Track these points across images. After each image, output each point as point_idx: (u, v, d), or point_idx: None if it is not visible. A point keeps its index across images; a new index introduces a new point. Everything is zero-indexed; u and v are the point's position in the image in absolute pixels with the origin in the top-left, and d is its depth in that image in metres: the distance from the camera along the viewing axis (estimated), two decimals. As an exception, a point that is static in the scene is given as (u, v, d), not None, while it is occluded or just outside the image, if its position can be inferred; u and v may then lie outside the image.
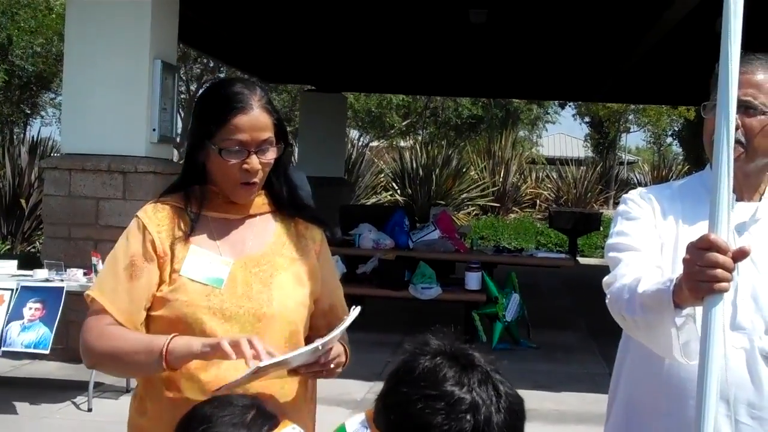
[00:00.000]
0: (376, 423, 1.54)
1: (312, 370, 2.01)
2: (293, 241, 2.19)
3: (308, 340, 2.13)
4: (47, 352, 5.67)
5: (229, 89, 2.11)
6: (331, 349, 2.01)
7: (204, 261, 2.07)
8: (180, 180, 2.19)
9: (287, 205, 2.21)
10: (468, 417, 1.38)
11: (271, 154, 2.10)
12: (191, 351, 1.93)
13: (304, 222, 2.24)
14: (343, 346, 2.13)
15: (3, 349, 5.55)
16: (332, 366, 2.03)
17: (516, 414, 1.45)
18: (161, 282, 2.07)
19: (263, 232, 2.18)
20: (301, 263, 2.17)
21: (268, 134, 2.08)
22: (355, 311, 2.03)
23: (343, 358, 2.09)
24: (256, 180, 2.09)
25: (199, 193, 2.14)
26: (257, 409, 1.59)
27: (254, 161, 2.06)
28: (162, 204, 2.15)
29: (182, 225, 2.11)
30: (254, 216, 2.18)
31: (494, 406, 1.41)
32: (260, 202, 2.18)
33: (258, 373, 1.86)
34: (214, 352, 1.89)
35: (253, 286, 2.08)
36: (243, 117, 2.05)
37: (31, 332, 5.65)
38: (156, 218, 2.12)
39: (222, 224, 2.15)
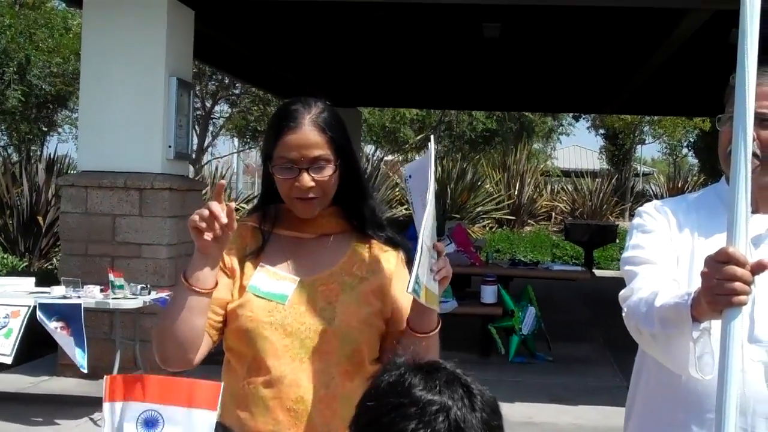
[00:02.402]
0: None
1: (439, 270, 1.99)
2: (365, 261, 2.17)
3: (379, 361, 2.13)
4: (86, 371, 5.69)
5: (285, 107, 2.15)
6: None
7: (271, 278, 2.11)
8: (260, 199, 2.25)
9: (366, 225, 2.20)
10: (441, 418, 1.35)
11: (327, 171, 2.09)
12: (194, 258, 2.01)
13: (380, 243, 2.22)
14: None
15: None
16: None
17: (492, 411, 1.41)
18: (232, 297, 2.12)
19: (335, 251, 2.18)
20: (370, 282, 2.15)
21: (320, 152, 2.08)
22: (431, 143, 2.05)
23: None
24: (312, 196, 2.09)
25: (273, 212, 2.18)
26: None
27: (304, 179, 2.07)
28: (240, 223, 2.19)
29: (254, 243, 2.15)
30: (328, 235, 2.18)
31: (467, 406, 1.38)
32: (334, 221, 2.19)
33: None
34: (196, 238, 1.97)
35: (317, 303, 2.09)
36: (291, 135, 2.07)
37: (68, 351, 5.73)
38: (228, 248, 2.15)
39: (294, 243, 2.17)
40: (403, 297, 2.18)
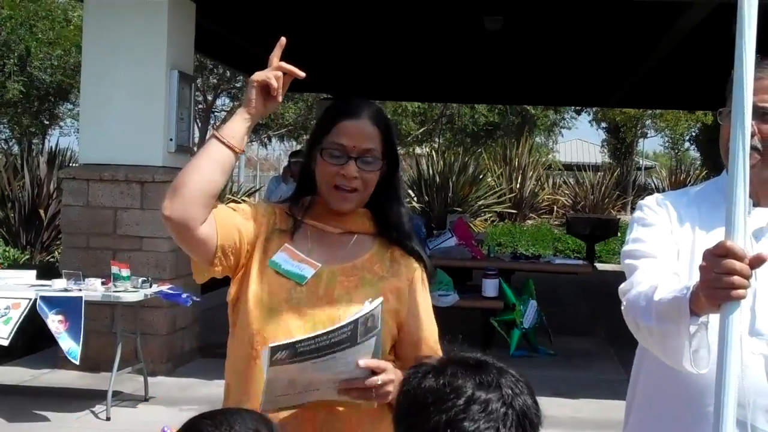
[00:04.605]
0: None
1: (359, 391, 1.95)
2: (386, 263, 2.18)
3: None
4: (77, 363, 5.75)
5: (345, 100, 2.21)
6: (381, 372, 1.95)
7: (293, 258, 2.11)
8: (294, 193, 2.25)
9: (394, 231, 2.20)
10: (509, 412, 1.38)
11: (374, 167, 2.11)
12: (236, 117, 2.07)
13: (402, 252, 2.22)
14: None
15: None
16: (383, 390, 1.96)
17: (532, 389, 1.46)
18: (249, 271, 2.10)
19: (359, 248, 2.19)
20: (390, 282, 2.16)
21: (372, 145, 2.11)
22: (376, 301, 1.96)
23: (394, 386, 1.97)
24: (354, 187, 2.10)
25: (304, 203, 2.19)
26: None
27: (351, 167, 2.08)
28: (272, 204, 2.24)
29: (283, 224, 2.17)
30: (352, 234, 2.19)
31: (523, 393, 1.42)
32: (361, 221, 2.19)
33: (285, 360, 1.84)
34: (257, 95, 2.07)
35: (335, 291, 2.10)
36: (348, 122, 2.11)
37: (61, 343, 5.74)
38: (262, 212, 2.18)
39: (320, 234, 2.17)
40: (418, 308, 2.19)
